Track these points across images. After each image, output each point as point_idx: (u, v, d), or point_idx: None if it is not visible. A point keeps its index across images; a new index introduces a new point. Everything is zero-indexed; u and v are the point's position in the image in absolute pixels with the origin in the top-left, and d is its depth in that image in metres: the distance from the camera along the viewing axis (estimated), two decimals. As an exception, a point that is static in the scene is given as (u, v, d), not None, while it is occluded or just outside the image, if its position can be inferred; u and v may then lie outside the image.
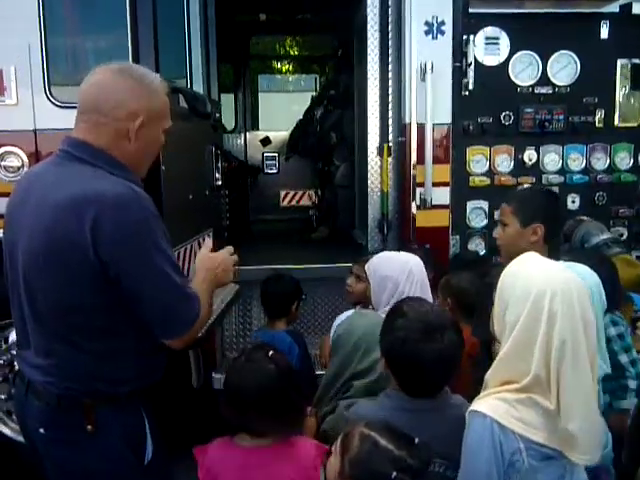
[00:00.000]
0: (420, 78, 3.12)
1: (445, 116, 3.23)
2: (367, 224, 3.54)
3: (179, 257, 2.50)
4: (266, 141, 5.91)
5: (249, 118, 6.21)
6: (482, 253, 3.41)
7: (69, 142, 1.56)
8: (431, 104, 3.12)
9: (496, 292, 1.46)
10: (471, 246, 3.46)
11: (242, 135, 6.08)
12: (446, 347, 1.54)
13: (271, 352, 1.67)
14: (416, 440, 1.37)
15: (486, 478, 1.34)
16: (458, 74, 3.24)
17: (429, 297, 2.19)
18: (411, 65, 3.13)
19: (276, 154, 5.78)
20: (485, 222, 3.44)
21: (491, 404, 1.38)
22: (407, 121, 3.20)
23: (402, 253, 2.32)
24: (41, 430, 1.56)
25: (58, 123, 2.80)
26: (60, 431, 1.55)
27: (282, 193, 5.93)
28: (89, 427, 1.52)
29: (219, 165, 3.06)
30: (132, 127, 1.52)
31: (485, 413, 1.37)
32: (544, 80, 3.38)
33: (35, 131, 2.93)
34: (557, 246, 2.34)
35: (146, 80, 1.57)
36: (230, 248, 1.81)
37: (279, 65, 8.70)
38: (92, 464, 1.55)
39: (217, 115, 3.01)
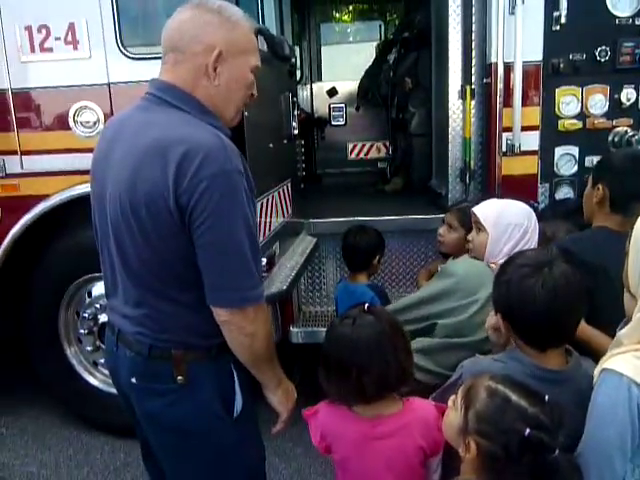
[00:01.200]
0: (509, 11, 2.86)
1: (536, 53, 2.97)
2: (447, 173, 3.35)
3: (261, 208, 2.44)
4: (333, 92, 5.72)
5: (315, 69, 6.03)
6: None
7: (155, 85, 1.50)
8: (521, 40, 2.86)
9: (630, 242, 1.30)
10: (559, 195, 3.22)
11: (308, 86, 5.92)
12: (558, 278, 1.40)
13: (366, 305, 1.56)
14: (546, 398, 1.25)
15: (618, 445, 1.20)
16: (550, 6, 2.95)
17: None
18: (499, -4, 2.86)
19: (343, 105, 5.59)
20: (575, 169, 3.18)
21: (628, 362, 1.23)
22: (493, 60, 2.95)
23: (514, 201, 2.15)
24: (133, 380, 1.55)
25: (132, 76, 2.78)
26: (151, 381, 1.53)
27: (350, 145, 5.76)
28: (180, 378, 1.50)
29: (295, 113, 2.95)
30: (210, 61, 1.43)
31: (621, 372, 1.22)
32: (646, 9, 3.04)
33: (109, 85, 2.89)
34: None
35: (225, 13, 1.46)
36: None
37: (343, 13, 8.38)
38: (183, 415, 1.53)
39: (293, 60, 2.88)
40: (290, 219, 3.10)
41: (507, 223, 2.03)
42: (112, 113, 2.86)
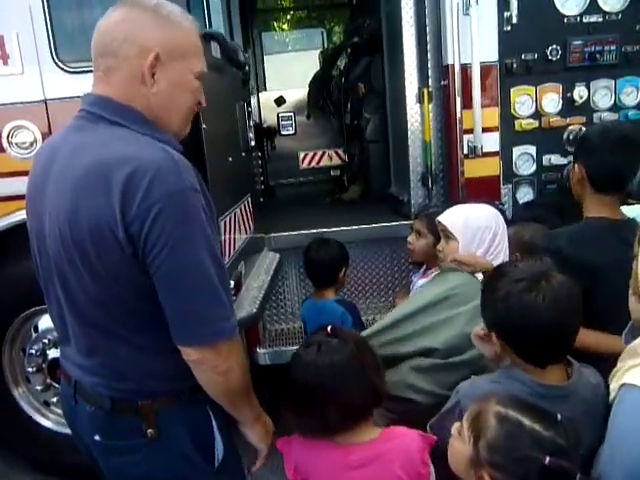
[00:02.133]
0: (463, 12, 2.82)
1: (492, 54, 2.94)
2: (408, 179, 3.27)
3: (224, 227, 2.29)
4: (281, 101, 5.60)
5: (260, 78, 5.90)
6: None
7: (88, 100, 1.32)
8: (477, 41, 2.82)
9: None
10: (519, 195, 3.22)
11: (254, 96, 5.78)
12: (557, 289, 1.33)
13: (329, 328, 1.45)
14: (558, 417, 1.16)
15: None
16: (501, 6, 2.93)
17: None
18: (452, -2, 2.81)
19: (292, 113, 5.48)
20: (534, 168, 3.18)
21: None
22: (450, 62, 2.90)
23: (479, 204, 2.09)
24: (96, 437, 1.36)
25: (71, 91, 2.55)
26: (118, 438, 1.35)
27: (301, 155, 5.64)
28: (150, 431, 1.32)
29: (251, 124, 2.81)
30: (146, 66, 1.25)
31: None
32: (593, 7, 3.06)
33: (45, 101, 2.68)
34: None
35: (163, 11, 1.29)
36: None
37: (283, 22, 8.31)
38: (157, 472, 1.36)
39: (247, 68, 2.74)
40: (252, 235, 2.96)
41: (476, 227, 1.97)
42: (50, 132, 2.65)
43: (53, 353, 2.88)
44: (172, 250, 1.18)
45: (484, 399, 1.25)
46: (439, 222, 2.07)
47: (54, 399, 2.98)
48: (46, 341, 2.90)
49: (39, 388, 2.98)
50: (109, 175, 1.18)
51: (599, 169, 1.93)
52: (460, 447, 1.23)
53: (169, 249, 1.18)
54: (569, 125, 3.14)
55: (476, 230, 1.97)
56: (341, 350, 1.39)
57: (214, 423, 1.41)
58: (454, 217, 2.04)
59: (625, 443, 1.15)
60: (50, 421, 3.00)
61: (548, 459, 1.09)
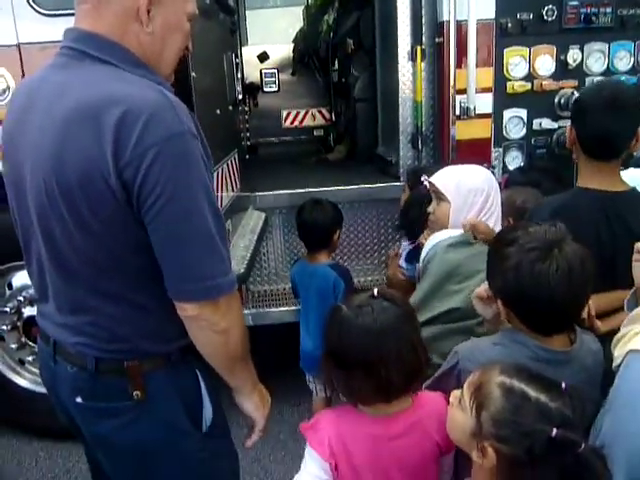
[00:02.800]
0: (460, -34, 2.71)
1: (488, 11, 2.85)
2: (397, 140, 3.20)
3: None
4: (264, 56, 5.42)
5: (243, 34, 5.68)
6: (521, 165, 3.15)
7: (72, 36, 1.21)
8: (474, -4, 2.72)
9: None
10: (508, 159, 3.18)
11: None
12: (571, 259, 1.28)
13: (376, 291, 1.36)
14: (563, 385, 1.13)
15: None
16: (498, -38, 2.83)
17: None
18: (449, -49, 2.70)
19: (275, 70, 5.31)
20: (524, 132, 3.12)
21: None
22: (445, 18, 2.81)
23: (472, 166, 2.03)
24: (78, 399, 1.30)
25: (46, 35, 2.41)
26: (102, 400, 1.29)
27: (284, 113, 5.50)
28: (137, 393, 1.26)
29: (239, 76, 2.68)
30: (142, 2, 1.17)
31: None
32: (591, -32, 2.99)
33: (19, 46, 2.52)
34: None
35: None
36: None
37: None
38: (144, 436, 1.30)
39: (235, 17, 2.61)
40: (238, 193, 2.87)
41: (468, 189, 1.92)
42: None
43: (29, 311, 2.81)
44: (170, 198, 1.11)
45: (486, 367, 1.21)
46: (431, 183, 2.02)
47: (30, 358, 2.92)
48: (21, 298, 2.82)
49: (14, 346, 2.91)
50: (99, 117, 1.09)
51: (589, 132, 1.86)
52: (460, 417, 1.20)
53: (167, 197, 1.11)
54: (561, 88, 3.09)
55: (468, 192, 1.92)
56: (396, 311, 1.33)
57: (203, 386, 1.37)
58: (446, 178, 1.99)
59: (632, 410, 1.12)
60: (26, 380, 2.93)
61: (555, 431, 1.05)
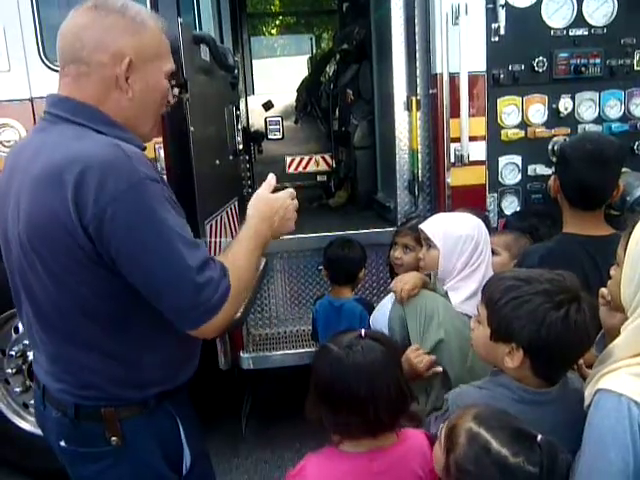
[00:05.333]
0: (452, 22, 2.85)
1: (479, 64, 2.97)
2: (394, 186, 3.29)
3: (210, 230, 2.28)
4: (269, 105, 5.60)
5: (249, 82, 5.89)
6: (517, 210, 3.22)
7: (50, 101, 1.31)
8: (466, 51, 2.85)
9: (626, 252, 1.22)
10: (505, 204, 3.25)
11: (242, 100, 5.78)
12: (590, 317, 1.32)
13: (363, 332, 1.42)
14: (539, 437, 1.13)
15: (621, 469, 1.12)
16: (490, 18, 2.97)
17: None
18: (441, 8, 2.84)
19: (279, 118, 5.48)
20: (519, 178, 3.21)
21: (624, 380, 1.16)
22: (438, 71, 2.93)
23: (462, 213, 2.10)
24: (62, 443, 1.35)
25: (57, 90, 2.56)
26: (82, 445, 1.34)
27: (288, 159, 5.64)
28: (114, 439, 1.30)
29: (239, 127, 2.81)
30: (120, 72, 1.25)
31: (620, 391, 1.14)
32: (579, 21, 3.11)
33: (32, 100, 2.66)
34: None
35: (129, 12, 1.28)
36: (292, 191, 1.51)
37: (273, 26, 8.33)
38: None
39: (235, 71, 2.75)
40: (238, 239, 2.95)
41: (457, 236, 1.97)
42: (37, 131, 2.62)
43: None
44: (141, 250, 1.17)
45: (466, 409, 1.24)
46: (421, 230, 2.08)
47: (32, 401, 2.93)
48: (27, 342, 2.86)
49: (18, 390, 2.95)
50: (60, 175, 1.16)
51: (572, 184, 1.92)
52: (437, 453, 1.24)
53: (137, 250, 1.16)
54: (554, 136, 3.18)
55: (457, 239, 1.96)
56: (383, 350, 1.38)
57: (182, 432, 1.40)
58: (435, 225, 2.05)
59: (603, 445, 1.14)
60: (28, 423, 2.96)
61: None
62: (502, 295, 1.37)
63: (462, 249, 1.95)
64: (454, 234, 1.97)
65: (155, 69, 1.33)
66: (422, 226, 2.06)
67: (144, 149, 1.31)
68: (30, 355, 2.87)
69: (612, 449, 1.13)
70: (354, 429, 1.36)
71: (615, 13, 3.12)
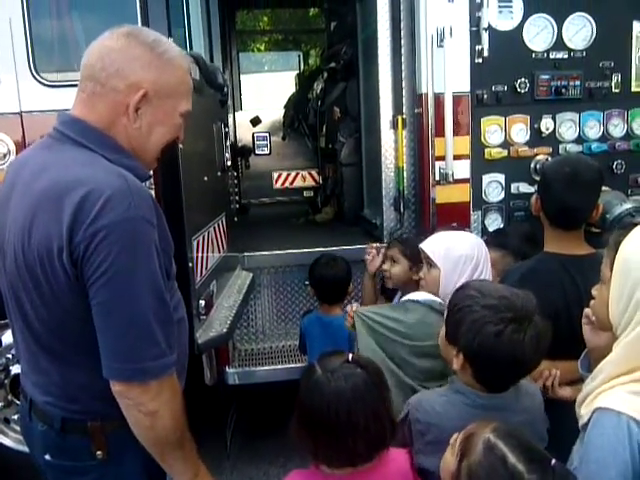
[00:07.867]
0: (437, 44, 2.92)
1: (464, 84, 3.04)
2: (381, 203, 3.34)
3: (197, 246, 2.30)
4: (256, 120, 5.65)
5: (237, 98, 5.94)
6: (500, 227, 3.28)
7: (61, 119, 1.32)
8: (450, 72, 2.92)
9: (613, 270, 1.24)
10: (488, 222, 3.31)
11: (230, 115, 5.82)
12: (541, 333, 1.37)
13: (350, 357, 1.41)
14: (553, 461, 1.13)
15: None
16: (474, 40, 3.05)
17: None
18: (427, 30, 2.92)
19: (267, 134, 5.53)
20: (502, 196, 3.27)
21: (622, 398, 1.17)
22: (423, 91, 3.00)
23: (462, 232, 2.12)
24: (47, 456, 1.35)
25: (47, 104, 2.57)
26: (67, 458, 1.34)
27: (275, 175, 5.69)
28: (99, 453, 1.31)
29: (227, 144, 2.84)
30: (131, 101, 1.26)
31: (619, 410, 1.15)
32: (559, 44, 3.21)
33: (21, 114, 2.67)
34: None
35: (158, 48, 1.30)
36: None
37: (261, 43, 8.41)
38: None
39: (225, 89, 2.79)
40: (226, 254, 2.97)
41: (458, 256, 1.96)
42: (25, 145, 2.63)
43: (16, 369, 2.82)
44: (109, 280, 1.17)
45: (485, 421, 1.24)
46: (421, 249, 2.07)
47: (15, 416, 2.91)
48: (9, 356, 2.85)
49: (0, 405, 2.91)
50: (63, 198, 1.17)
51: (552, 204, 1.96)
52: (448, 459, 1.25)
53: (107, 279, 1.16)
54: (536, 155, 3.26)
55: (458, 259, 1.96)
56: (367, 379, 1.36)
57: None
58: (436, 245, 2.04)
59: (603, 464, 1.15)
60: (9, 439, 2.92)
61: None
62: (459, 302, 1.46)
63: (463, 269, 1.95)
64: (455, 254, 1.97)
65: (169, 107, 1.33)
66: (422, 245, 2.06)
67: (149, 177, 1.33)
68: (12, 369, 2.85)
69: (613, 467, 1.14)
70: (333, 458, 1.36)
71: (594, 37, 3.22)
